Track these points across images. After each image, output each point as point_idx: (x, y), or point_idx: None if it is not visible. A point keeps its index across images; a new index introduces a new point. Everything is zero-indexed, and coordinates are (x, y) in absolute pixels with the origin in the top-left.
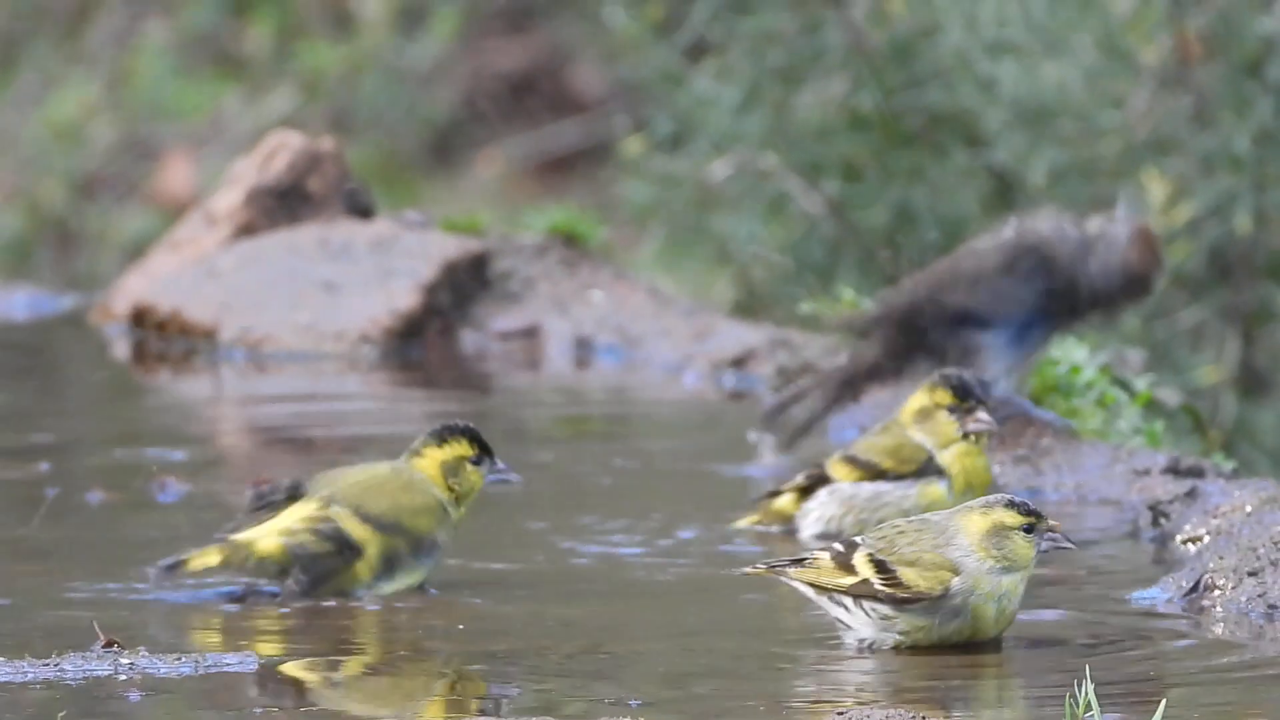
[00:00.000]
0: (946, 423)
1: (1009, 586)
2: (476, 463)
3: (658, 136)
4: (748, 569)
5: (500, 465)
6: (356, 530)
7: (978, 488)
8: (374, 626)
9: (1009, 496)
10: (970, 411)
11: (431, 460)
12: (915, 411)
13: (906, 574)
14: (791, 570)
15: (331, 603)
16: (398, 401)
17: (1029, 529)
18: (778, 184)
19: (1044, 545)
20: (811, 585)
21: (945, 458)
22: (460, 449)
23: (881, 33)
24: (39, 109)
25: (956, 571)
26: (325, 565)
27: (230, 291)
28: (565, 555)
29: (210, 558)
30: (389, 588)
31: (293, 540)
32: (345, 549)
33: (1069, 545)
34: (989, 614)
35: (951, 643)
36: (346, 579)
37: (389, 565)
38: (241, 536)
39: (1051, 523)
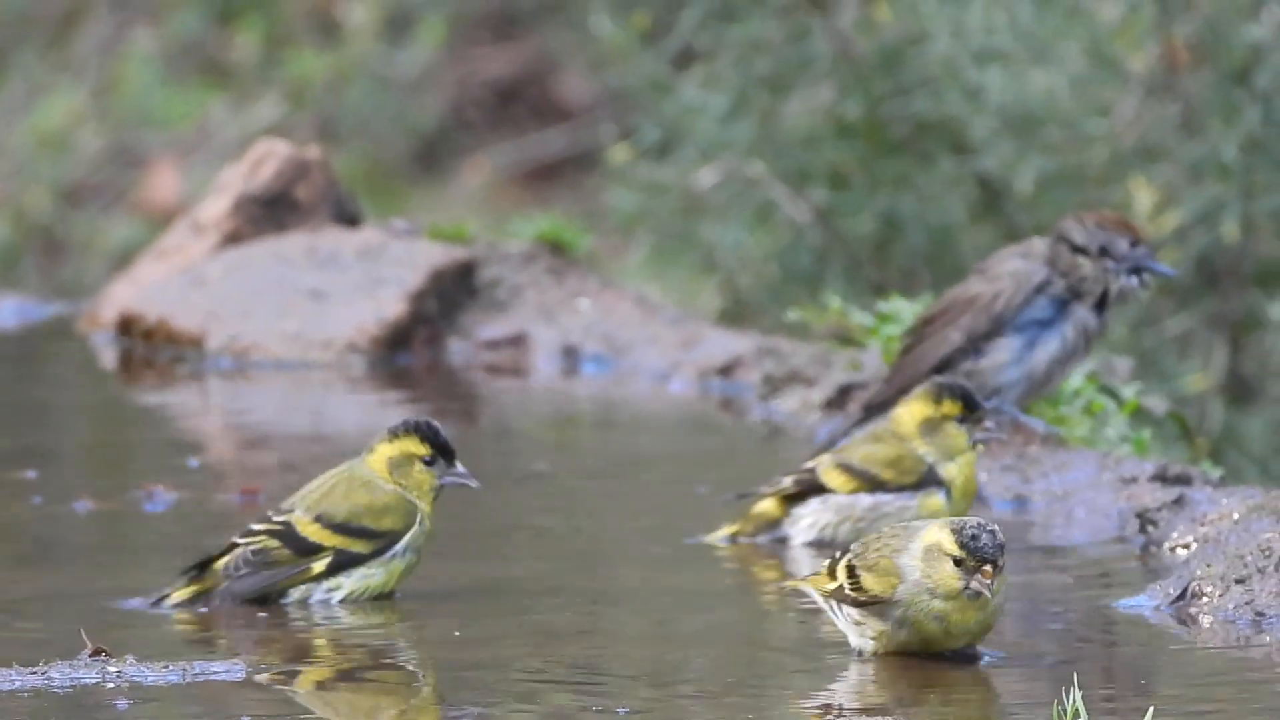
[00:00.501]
0: (957, 434)
1: (942, 610)
2: (429, 463)
3: (644, 144)
4: (787, 583)
5: (459, 468)
6: (313, 533)
7: (970, 496)
8: (363, 635)
9: (961, 522)
10: (979, 422)
11: (380, 456)
12: (921, 423)
13: (866, 578)
14: (803, 578)
15: (318, 612)
16: (385, 409)
17: (957, 562)
18: (765, 192)
19: (971, 586)
20: (818, 592)
21: (950, 469)
22: (411, 446)
23: (868, 41)
24: (26, 117)
25: (902, 579)
26: (274, 565)
27: (217, 300)
28: (554, 562)
29: (184, 592)
30: (349, 588)
31: (252, 544)
32: (301, 552)
33: (985, 594)
34: (932, 629)
35: (913, 651)
36: (298, 578)
37: (343, 566)
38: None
39: (985, 568)
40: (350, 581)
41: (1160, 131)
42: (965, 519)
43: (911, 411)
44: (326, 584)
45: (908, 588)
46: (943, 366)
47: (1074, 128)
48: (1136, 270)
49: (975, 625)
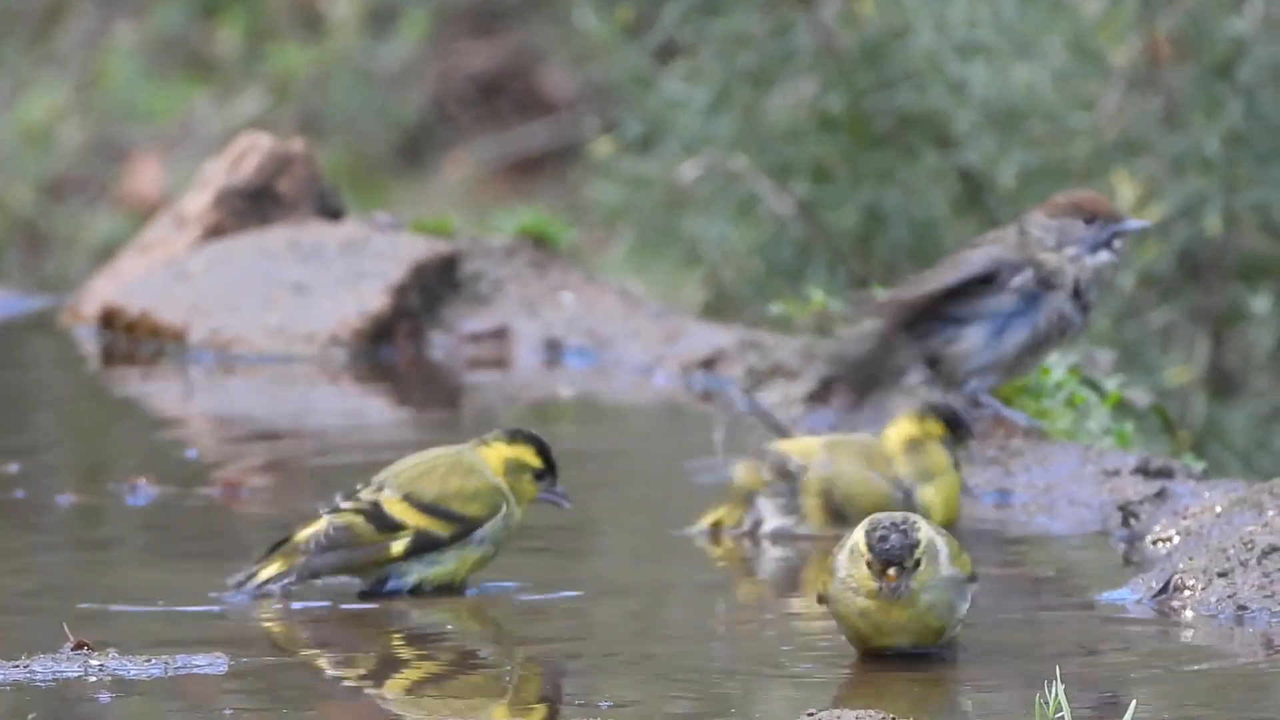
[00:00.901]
0: (939, 453)
1: (865, 608)
2: (539, 476)
3: (627, 138)
4: None
5: (559, 489)
6: (399, 511)
7: (950, 521)
8: (345, 629)
9: (878, 520)
10: (963, 441)
11: (497, 452)
12: (904, 441)
13: (820, 574)
14: None
15: (314, 604)
16: (367, 402)
17: (869, 563)
18: (748, 185)
19: (883, 589)
20: None
21: (928, 492)
22: (527, 456)
23: (851, 34)
24: (9, 111)
25: (834, 576)
26: (355, 544)
27: (200, 293)
28: (537, 555)
29: (271, 568)
30: (419, 573)
31: (336, 520)
32: (384, 528)
33: (891, 597)
34: (860, 625)
35: (863, 645)
36: (376, 557)
37: (421, 549)
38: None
39: (889, 571)
40: (420, 566)
41: (1143, 125)
42: (883, 517)
43: (898, 428)
44: (399, 569)
45: (836, 584)
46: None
47: (1056, 121)
48: (1105, 244)
49: (910, 621)
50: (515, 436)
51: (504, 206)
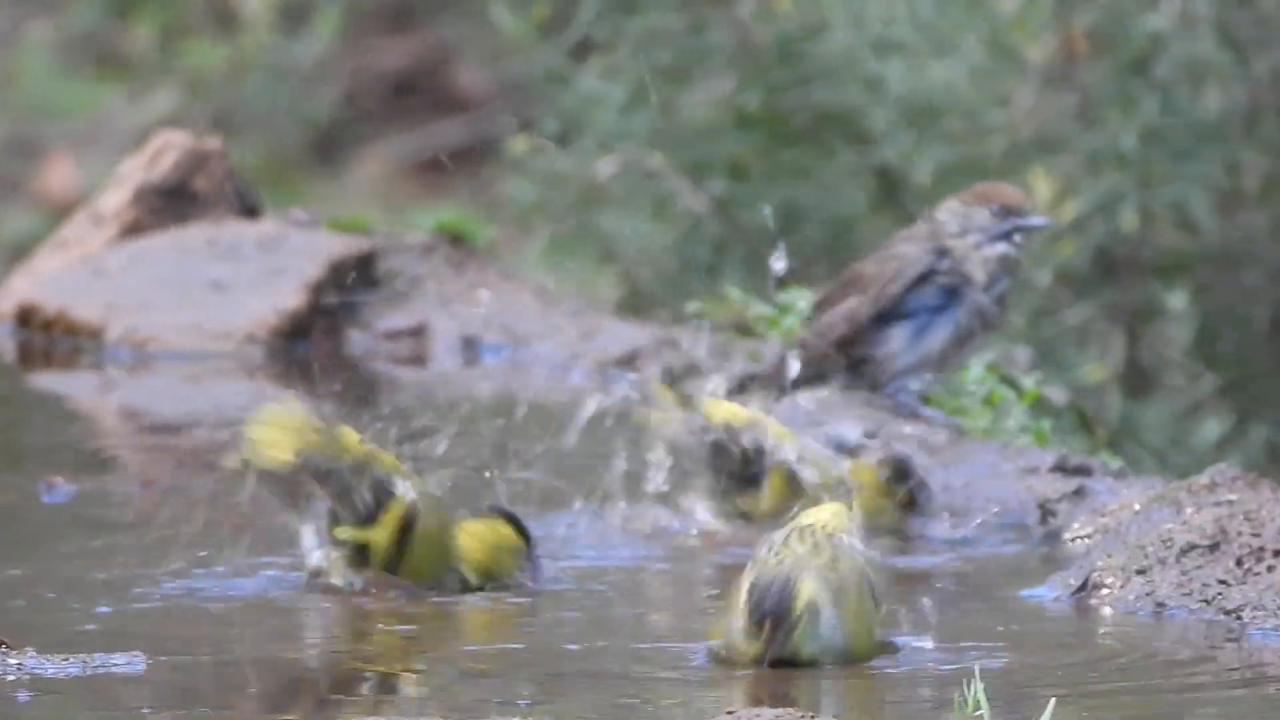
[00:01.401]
0: (884, 504)
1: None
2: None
3: (543, 136)
4: None
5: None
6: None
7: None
8: (269, 624)
9: (761, 586)
10: (916, 507)
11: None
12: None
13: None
14: None
15: (227, 596)
16: (283, 400)
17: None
18: (664, 182)
19: (767, 659)
20: None
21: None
22: (503, 531)
23: (768, 31)
24: None
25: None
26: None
27: (117, 291)
28: None
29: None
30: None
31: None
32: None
33: (761, 650)
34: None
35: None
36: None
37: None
38: None
39: (765, 635)
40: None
41: (1058, 122)
42: (768, 576)
43: (858, 473)
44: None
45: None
46: (840, 345)
47: (973, 118)
48: (1005, 236)
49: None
50: (491, 513)
51: (418, 204)
